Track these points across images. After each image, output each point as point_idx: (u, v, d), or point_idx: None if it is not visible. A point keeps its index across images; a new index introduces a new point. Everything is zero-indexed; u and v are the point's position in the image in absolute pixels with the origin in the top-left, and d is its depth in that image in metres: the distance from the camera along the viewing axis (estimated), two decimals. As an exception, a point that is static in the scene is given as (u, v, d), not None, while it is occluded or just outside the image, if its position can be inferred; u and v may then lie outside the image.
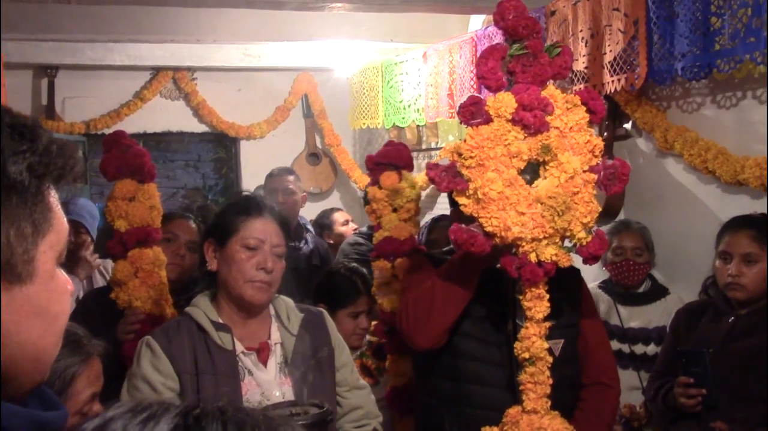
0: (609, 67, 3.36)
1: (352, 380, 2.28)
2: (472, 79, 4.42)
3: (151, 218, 2.79)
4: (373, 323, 3.32)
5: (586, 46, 3.50)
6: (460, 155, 2.13)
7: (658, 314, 3.49)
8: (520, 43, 2.20)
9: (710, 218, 3.32)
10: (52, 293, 0.85)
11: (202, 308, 2.14)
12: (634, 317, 3.52)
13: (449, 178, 2.14)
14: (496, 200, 2.09)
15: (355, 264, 3.46)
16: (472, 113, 2.14)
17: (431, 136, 5.70)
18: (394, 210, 2.88)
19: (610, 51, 3.35)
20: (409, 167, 2.93)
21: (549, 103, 2.17)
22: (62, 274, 0.89)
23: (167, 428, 0.60)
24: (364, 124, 5.90)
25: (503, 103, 2.13)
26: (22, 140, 0.83)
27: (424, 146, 5.82)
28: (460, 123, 2.20)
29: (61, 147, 0.87)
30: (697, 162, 3.39)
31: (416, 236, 2.99)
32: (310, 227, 5.03)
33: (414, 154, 5.66)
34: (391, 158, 2.86)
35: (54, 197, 0.87)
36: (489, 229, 2.10)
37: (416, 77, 5.14)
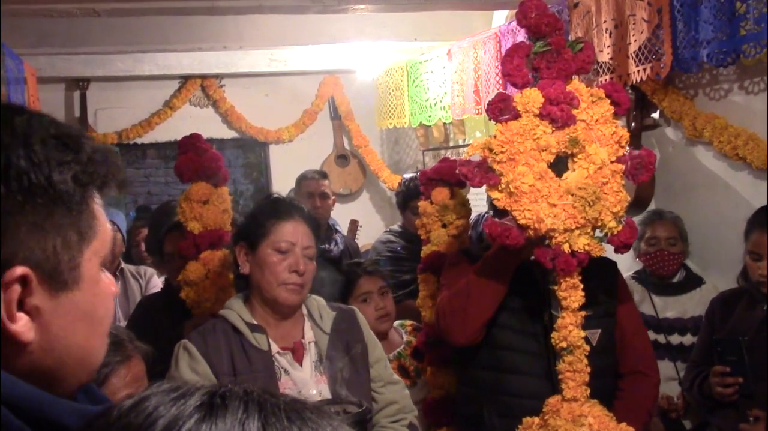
0: (634, 57, 3.34)
1: (386, 375, 2.31)
2: (497, 75, 4.42)
3: (223, 221, 2.89)
4: (409, 322, 3.34)
5: (610, 37, 3.48)
6: (491, 150, 2.18)
7: (693, 304, 3.46)
8: (544, 41, 2.26)
9: (743, 205, 3.29)
10: (97, 298, 0.88)
11: (236, 311, 2.18)
12: (669, 308, 3.49)
13: (482, 173, 2.19)
14: (527, 193, 2.15)
15: (354, 260, 3.48)
16: (500, 109, 2.20)
17: (458, 133, 5.70)
18: (444, 226, 2.90)
19: (635, 41, 3.33)
20: (462, 184, 2.95)
21: (575, 97, 2.23)
22: (106, 276, 0.91)
23: (194, 404, 0.64)
24: (390, 124, 5.92)
25: (530, 98, 2.19)
26: (67, 151, 0.85)
27: (451, 144, 5.83)
28: (489, 120, 2.25)
29: (104, 155, 0.90)
30: (727, 149, 3.36)
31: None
32: (339, 227, 5.07)
33: (441, 152, 5.73)
34: (443, 174, 2.90)
35: (98, 204, 0.89)
36: (522, 221, 2.15)
37: (441, 75, 5.15)
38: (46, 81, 5.45)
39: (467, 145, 5.46)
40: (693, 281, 3.52)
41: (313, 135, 6.52)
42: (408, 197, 4.12)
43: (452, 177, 2.90)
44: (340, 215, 5.55)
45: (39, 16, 4.34)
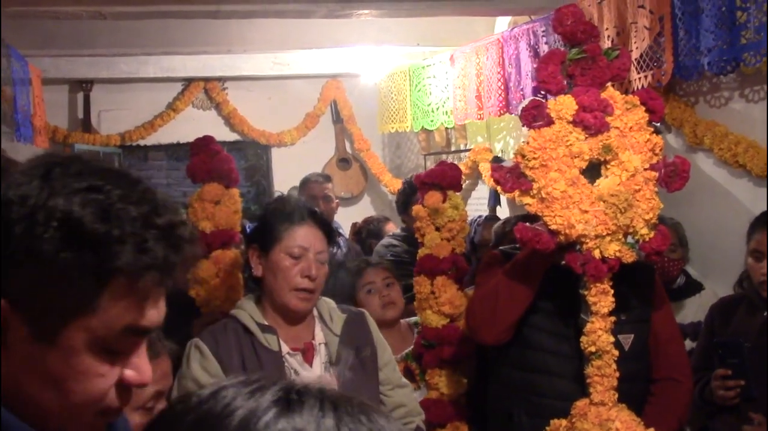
0: (636, 64, 3.38)
1: (394, 378, 2.33)
2: (499, 80, 4.46)
3: (234, 221, 2.95)
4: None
5: (612, 44, 3.52)
6: (523, 156, 2.21)
7: (693, 310, 3.47)
8: (579, 48, 2.28)
9: (742, 212, 3.33)
10: (70, 370, 0.86)
11: (248, 311, 2.19)
12: (668, 313, 3.51)
13: (513, 179, 2.22)
14: (559, 198, 2.18)
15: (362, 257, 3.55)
16: (534, 116, 2.22)
17: (460, 138, 5.73)
18: (437, 229, 2.93)
19: (636, 48, 3.37)
20: (455, 187, 2.95)
21: (609, 104, 2.25)
22: (94, 363, 0.87)
23: (271, 398, 0.65)
24: (392, 128, 5.96)
25: (564, 105, 2.22)
26: (98, 223, 0.84)
27: (453, 149, 5.86)
28: (522, 126, 2.27)
29: (179, 238, 0.88)
30: (727, 156, 3.39)
31: (460, 255, 3.01)
32: (342, 230, 5.09)
33: (443, 156, 5.76)
34: (435, 177, 2.92)
35: (131, 289, 0.85)
36: (553, 227, 2.18)
37: (444, 80, 5.19)
38: (50, 82, 5.48)
39: (469, 150, 5.50)
40: (693, 287, 3.54)
41: (315, 138, 6.55)
42: (410, 198, 4.14)
43: (444, 180, 2.93)
44: (342, 219, 5.57)
45: (44, 17, 4.38)
